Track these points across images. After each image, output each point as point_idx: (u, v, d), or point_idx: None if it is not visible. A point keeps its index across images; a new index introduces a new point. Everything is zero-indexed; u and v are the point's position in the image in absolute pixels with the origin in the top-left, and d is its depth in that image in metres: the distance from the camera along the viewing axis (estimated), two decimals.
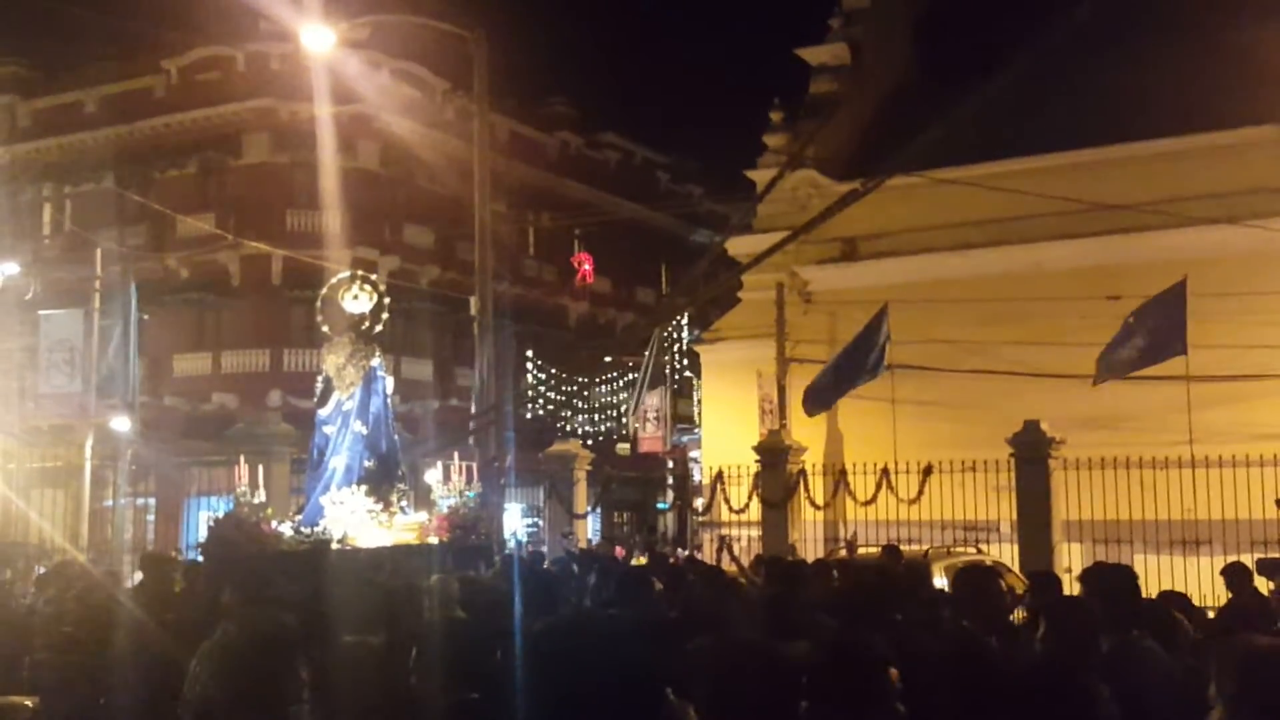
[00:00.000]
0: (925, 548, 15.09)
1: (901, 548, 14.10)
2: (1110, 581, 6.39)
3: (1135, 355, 17.30)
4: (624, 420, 26.10)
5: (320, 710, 5.94)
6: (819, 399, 20.50)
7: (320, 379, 13.56)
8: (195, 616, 7.48)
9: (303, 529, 12.65)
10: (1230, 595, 9.57)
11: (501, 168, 31.19)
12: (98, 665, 6.83)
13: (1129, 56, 20.89)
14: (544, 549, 20.40)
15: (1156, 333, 17.14)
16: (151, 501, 30.61)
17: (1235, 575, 9.71)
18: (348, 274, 14.07)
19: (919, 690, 5.58)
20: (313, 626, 6.50)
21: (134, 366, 23.06)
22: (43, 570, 12.26)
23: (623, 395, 32.50)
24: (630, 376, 29.63)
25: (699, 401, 28.05)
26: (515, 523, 25.51)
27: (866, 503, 18.59)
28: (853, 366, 19.79)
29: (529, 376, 33.91)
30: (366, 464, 13.02)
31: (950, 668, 5.93)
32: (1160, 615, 6.31)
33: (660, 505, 35.23)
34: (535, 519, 25.75)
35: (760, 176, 24.21)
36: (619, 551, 19.94)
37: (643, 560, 17.45)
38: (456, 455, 14.15)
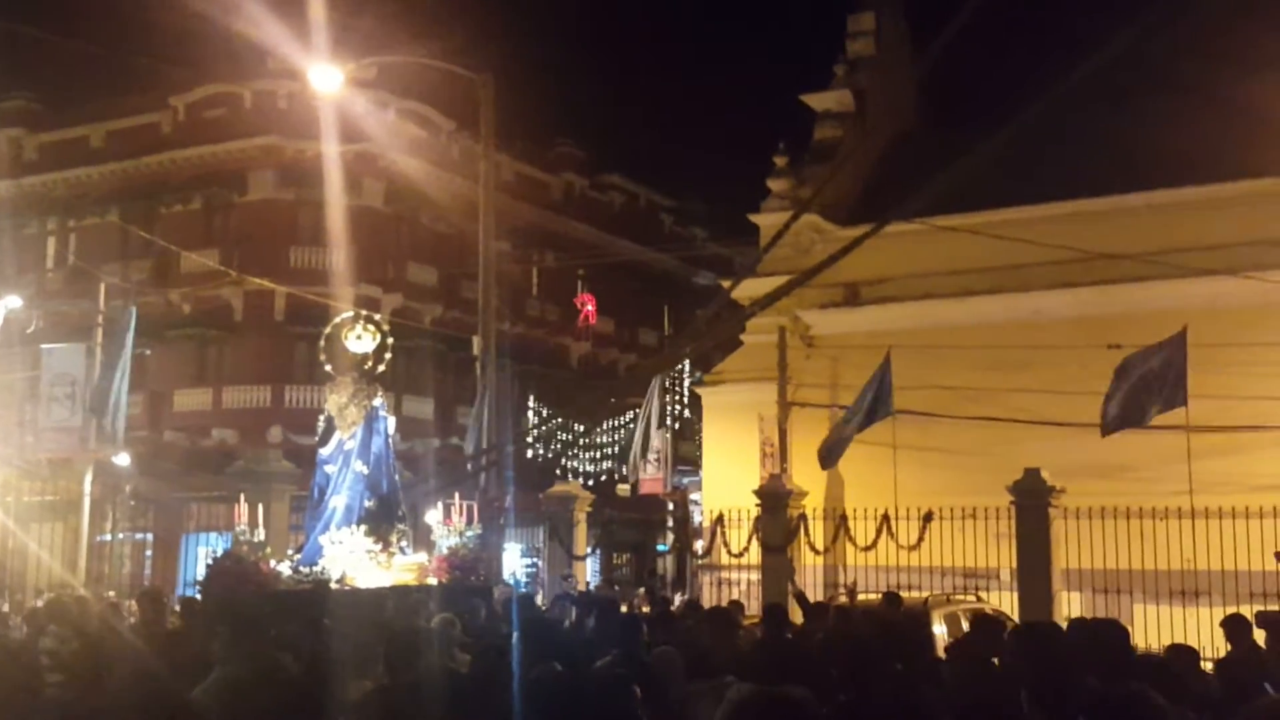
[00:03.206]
0: (925, 595, 15.04)
1: (901, 594, 14.07)
2: (1096, 637, 6.39)
3: (1138, 407, 17.26)
4: (623, 466, 26.03)
5: None
6: (833, 451, 20.33)
7: (322, 418, 13.58)
8: (193, 654, 7.46)
9: (301, 568, 12.63)
10: (1230, 647, 9.54)
11: (506, 208, 31.30)
12: (96, 703, 6.79)
13: (1131, 108, 21.06)
14: (531, 588, 20.35)
15: (1157, 382, 17.14)
16: (150, 536, 30.53)
17: (1235, 627, 9.67)
18: (351, 314, 14.11)
19: None
20: (310, 667, 6.49)
21: (124, 398, 22.99)
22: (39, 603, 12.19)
23: (623, 435, 32.44)
24: (631, 415, 29.58)
25: (700, 443, 28.02)
26: (514, 563, 25.44)
27: (867, 548, 18.56)
28: (860, 412, 19.73)
29: (530, 417, 33.91)
30: (367, 504, 13.02)
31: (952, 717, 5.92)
32: (1162, 669, 6.30)
33: (660, 547, 35.11)
34: (535, 560, 25.67)
35: (764, 220, 24.33)
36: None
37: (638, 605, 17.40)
38: (457, 494, 14.14)
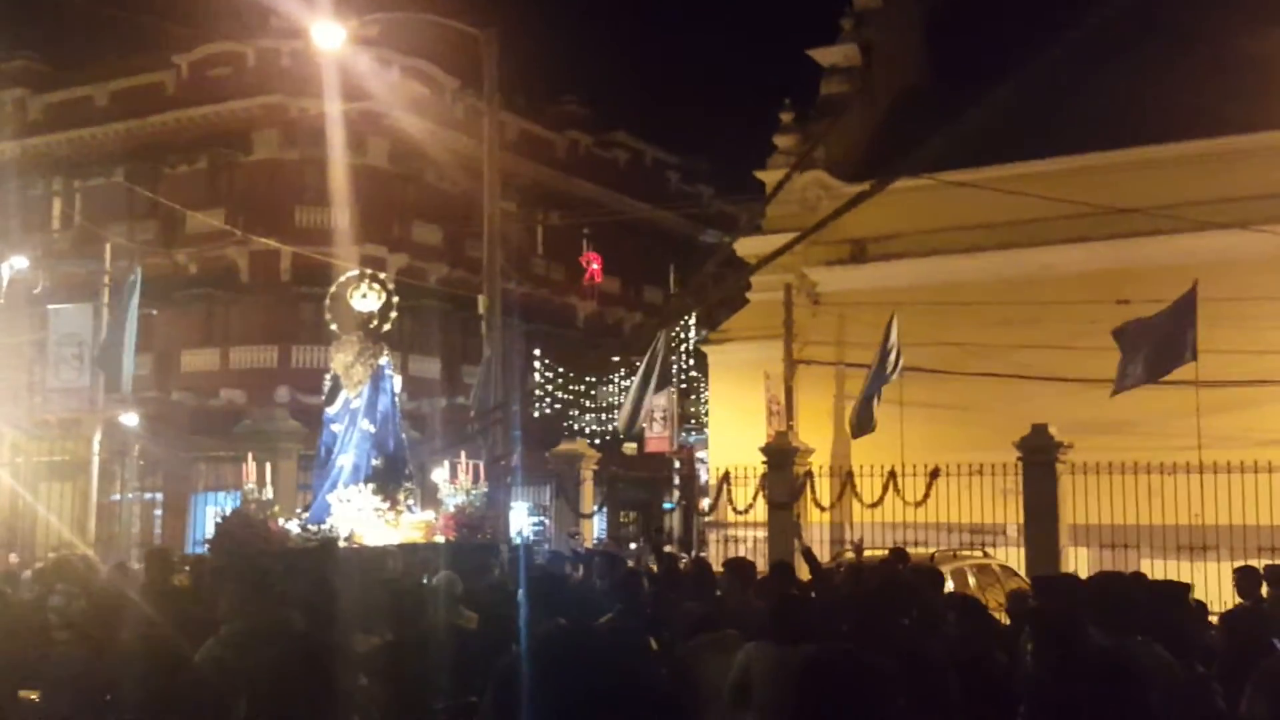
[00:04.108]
0: (931, 551, 15.06)
1: (908, 551, 14.06)
2: (1112, 588, 6.40)
3: (1147, 364, 17.14)
4: (619, 421, 26.06)
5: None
6: (862, 421, 20.04)
7: (328, 377, 13.59)
8: (201, 613, 7.49)
9: (309, 526, 12.68)
10: (1240, 599, 9.56)
11: (511, 166, 31.18)
12: (102, 659, 6.83)
13: (1140, 61, 20.86)
14: (547, 547, 20.38)
15: (1167, 339, 17.04)
16: (159, 496, 30.66)
17: (1246, 579, 9.70)
18: (356, 273, 14.08)
19: (925, 692, 5.58)
20: (317, 624, 6.50)
21: (131, 356, 23.02)
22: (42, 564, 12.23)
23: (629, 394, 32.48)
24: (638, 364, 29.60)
25: (706, 402, 28.04)
26: (522, 521, 25.52)
27: (873, 505, 18.54)
28: (875, 377, 19.57)
29: (536, 375, 33.91)
30: (374, 462, 13.05)
31: (957, 672, 5.93)
32: (1171, 622, 6.30)
33: (666, 505, 35.19)
34: (541, 518, 25.76)
35: (770, 177, 24.21)
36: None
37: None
38: (463, 453, 14.16)
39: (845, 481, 19.37)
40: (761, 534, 19.94)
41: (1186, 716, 5.59)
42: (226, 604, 6.51)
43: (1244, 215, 18.91)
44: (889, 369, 19.33)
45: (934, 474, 18.13)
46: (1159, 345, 16.92)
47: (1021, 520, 17.76)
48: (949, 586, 13.14)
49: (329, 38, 18.29)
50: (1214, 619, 8.76)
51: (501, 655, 5.60)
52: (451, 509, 13.21)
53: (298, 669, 5.70)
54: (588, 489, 21.90)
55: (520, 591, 8.15)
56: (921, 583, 8.75)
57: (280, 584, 7.10)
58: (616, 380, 33.15)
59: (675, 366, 29.95)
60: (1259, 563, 10.85)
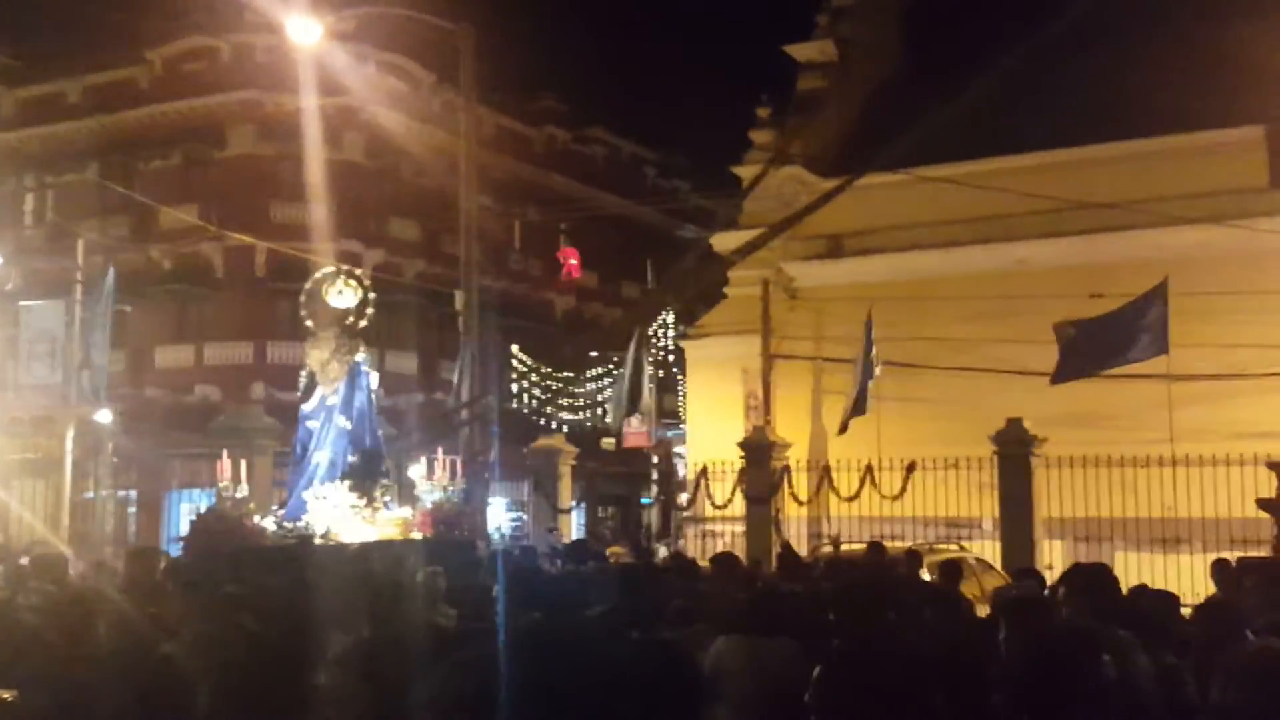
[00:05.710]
0: (908, 545, 15.11)
1: (885, 544, 14.12)
2: (1088, 581, 6.44)
3: (1113, 354, 17.20)
4: (607, 418, 26.07)
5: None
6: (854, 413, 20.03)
7: (304, 374, 13.55)
8: (177, 612, 7.45)
9: (286, 524, 12.64)
10: (1216, 590, 9.62)
11: (488, 161, 31.09)
12: (79, 658, 6.79)
13: (1113, 57, 20.96)
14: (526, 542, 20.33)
15: (1138, 332, 17.14)
16: (133, 494, 30.47)
17: (1222, 571, 9.77)
18: (332, 269, 14.04)
19: (910, 685, 5.61)
20: (287, 623, 6.48)
21: (104, 355, 22.86)
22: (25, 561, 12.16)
23: (608, 391, 32.46)
24: (612, 368, 29.56)
25: (684, 397, 28.05)
26: (500, 517, 25.48)
27: (850, 499, 18.62)
28: (864, 373, 19.58)
29: (514, 371, 33.83)
30: (350, 459, 13.02)
31: (940, 664, 5.95)
32: (1144, 614, 6.35)
33: (645, 500, 35.19)
34: (520, 514, 25.72)
35: (747, 173, 24.23)
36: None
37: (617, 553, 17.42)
38: (441, 449, 14.13)
39: (823, 476, 19.45)
40: (739, 528, 20.00)
41: (1160, 707, 5.63)
42: (180, 607, 6.50)
43: (1215, 210, 19.03)
44: (874, 365, 19.39)
45: (910, 468, 18.23)
46: (1116, 337, 16.93)
47: (997, 514, 17.86)
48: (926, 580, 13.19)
49: (305, 32, 18.21)
50: (1186, 611, 8.82)
51: (460, 652, 5.57)
52: (429, 505, 13.19)
53: (255, 671, 5.68)
54: (566, 484, 21.90)
55: (498, 587, 8.15)
56: (906, 576, 8.80)
57: (233, 586, 7.07)
58: (595, 376, 33.12)
59: (652, 361, 29.94)
60: (1231, 555, 10.94)
